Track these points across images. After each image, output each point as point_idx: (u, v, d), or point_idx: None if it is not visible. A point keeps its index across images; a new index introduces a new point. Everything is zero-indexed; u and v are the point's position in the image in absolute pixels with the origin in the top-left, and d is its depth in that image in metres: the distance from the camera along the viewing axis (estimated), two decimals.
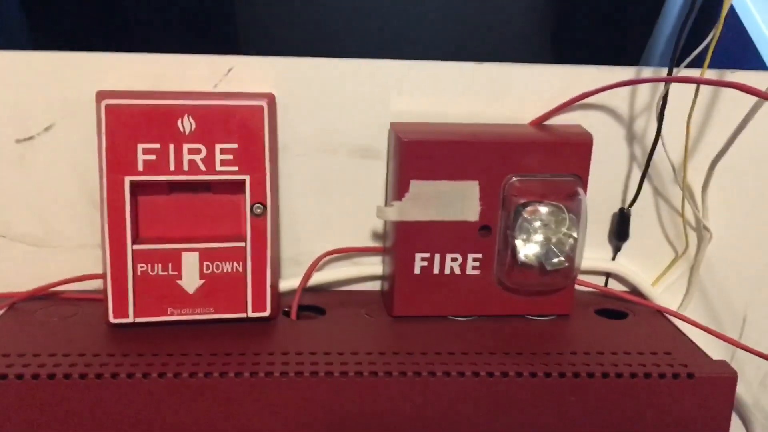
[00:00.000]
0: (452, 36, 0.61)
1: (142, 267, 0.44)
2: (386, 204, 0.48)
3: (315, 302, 0.50)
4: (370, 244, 0.52)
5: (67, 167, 0.48)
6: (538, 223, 0.47)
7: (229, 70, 0.47)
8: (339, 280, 0.52)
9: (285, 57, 0.48)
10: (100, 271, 0.50)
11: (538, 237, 0.47)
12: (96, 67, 0.46)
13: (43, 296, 0.49)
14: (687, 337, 0.48)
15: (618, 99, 0.50)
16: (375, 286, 0.54)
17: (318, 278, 0.51)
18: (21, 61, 0.46)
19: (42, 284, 0.50)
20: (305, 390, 0.41)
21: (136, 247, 0.44)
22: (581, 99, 0.48)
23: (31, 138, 0.47)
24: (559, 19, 0.64)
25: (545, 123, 0.49)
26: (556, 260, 0.47)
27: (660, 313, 0.51)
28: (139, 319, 0.44)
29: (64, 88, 0.46)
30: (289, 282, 0.50)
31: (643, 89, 0.50)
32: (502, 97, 0.49)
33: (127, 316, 0.44)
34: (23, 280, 0.50)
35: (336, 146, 0.50)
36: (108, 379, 0.40)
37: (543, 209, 0.46)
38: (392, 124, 0.48)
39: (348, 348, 0.44)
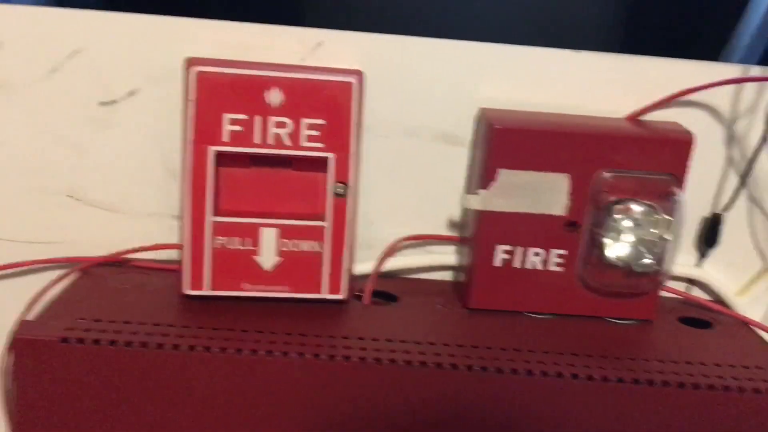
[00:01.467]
0: (530, 19, 0.59)
1: (220, 240, 0.43)
2: (468, 192, 0.47)
3: (386, 288, 0.49)
4: (445, 232, 0.51)
5: (146, 134, 0.47)
6: (628, 223, 0.44)
7: (318, 44, 0.46)
8: (411, 267, 0.51)
9: (374, 33, 0.46)
10: (170, 240, 0.50)
11: (628, 237, 0.45)
12: (183, 32, 0.45)
13: (115, 263, 0.49)
14: None
15: (720, 97, 0.47)
16: (445, 276, 0.52)
17: (391, 264, 0.50)
18: (109, 22, 0.45)
19: (111, 250, 0.49)
20: (381, 377, 0.40)
21: (215, 219, 0.43)
22: (683, 95, 0.45)
23: (114, 102, 0.47)
24: (635, 8, 0.61)
25: (641, 118, 0.47)
26: (645, 262, 0.45)
27: (746, 324, 0.49)
28: (214, 293, 0.44)
29: (150, 53, 0.46)
30: (361, 266, 0.49)
31: (749, 89, 0.47)
32: (597, 89, 0.47)
33: (202, 289, 0.44)
34: (93, 245, 0.50)
35: (419, 129, 0.48)
36: (185, 351, 0.39)
37: (636, 208, 0.44)
38: (482, 110, 0.46)
39: (423, 337, 0.43)
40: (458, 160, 0.49)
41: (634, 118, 0.47)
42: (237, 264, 0.43)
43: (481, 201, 0.45)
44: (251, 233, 0.43)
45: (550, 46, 0.47)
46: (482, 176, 0.45)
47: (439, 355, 0.41)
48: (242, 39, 0.46)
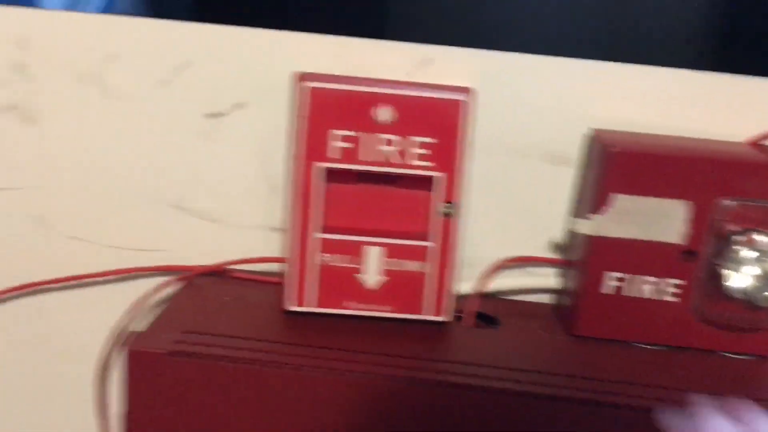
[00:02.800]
0: (636, 37, 0.57)
1: (325, 257, 0.43)
2: (577, 215, 0.45)
3: (486, 309, 0.48)
4: (546, 254, 0.49)
5: (250, 147, 0.48)
6: (752, 254, 0.42)
7: (427, 60, 0.45)
8: (512, 289, 0.49)
9: (484, 50, 0.45)
10: (268, 252, 0.50)
11: (751, 269, 0.42)
12: (291, 46, 0.45)
13: (216, 273, 0.49)
14: None
15: None
16: (542, 298, 0.51)
17: (492, 285, 0.49)
18: (219, 35, 0.45)
19: (211, 259, 0.50)
20: (487, 403, 0.39)
21: (322, 236, 0.42)
22: None
23: (220, 114, 0.47)
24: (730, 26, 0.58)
25: (765, 143, 0.44)
26: None
27: None
28: (316, 310, 0.43)
29: (258, 66, 0.46)
30: (461, 285, 0.48)
31: None
32: (715, 111, 0.45)
33: (304, 305, 0.43)
34: (194, 255, 0.50)
35: (526, 149, 0.47)
36: (291, 370, 0.39)
37: (760, 239, 0.42)
38: (594, 131, 0.44)
39: (530, 365, 0.41)
40: (565, 181, 0.47)
41: (756, 142, 0.44)
42: (341, 281, 0.43)
43: (593, 226, 0.43)
44: (356, 251, 0.43)
45: (655, 64, 0.45)
46: (595, 200, 0.43)
47: (550, 386, 0.39)
48: (349, 54, 0.45)
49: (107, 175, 0.48)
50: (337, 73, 0.45)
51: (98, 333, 0.51)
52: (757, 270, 0.42)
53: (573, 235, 0.45)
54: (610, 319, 0.45)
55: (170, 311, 0.44)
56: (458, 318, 0.46)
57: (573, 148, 0.46)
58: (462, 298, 0.47)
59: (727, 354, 0.45)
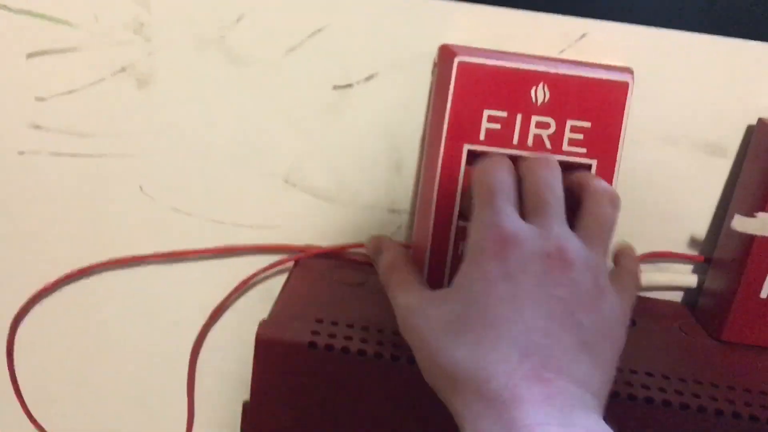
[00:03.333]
0: None
1: (461, 247, 0.39)
2: (737, 212, 0.41)
3: None
4: (684, 250, 0.46)
5: (377, 122, 0.44)
6: None
7: (582, 36, 0.41)
8: (647, 285, 0.46)
9: (643, 26, 0.41)
10: (384, 233, 0.47)
11: None
12: (433, 15, 0.41)
13: (331, 255, 0.46)
14: None
15: None
16: (672, 297, 0.47)
17: None
18: (358, 1, 0.42)
19: (322, 240, 0.47)
20: (629, 415, 0.36)
21: (462, 222, 0.39)
22: None
23: (349, 86, 0.43)
24: None
25: None
26: None
27: None
28: None
29: (396, 35, 0.42)
30: None
31: None
32: None
33: None
34: (303, 233, 0.47)
35: (678, 137, 0.43)
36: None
37: None
38: (762, 121, 0.40)
39: (672, 371, 0.38)
40: (717, 174, 0.44)
41: None
42: None
43: (758, 225, 0.39)
44: None
45: None
46: (762, 197, 0.39)
47: (699, 397, 0.37)
48: (498, 25, 0.41)
49: (218, 145, 0.45)
50: (483, 46, 0.41)
51: (201, 310, 0.49)
52: None
53: (729, 233, 0.42)
54: (763, 325, 0.41)
55: (290, 296, 0.41)
56: None
57: (733, 139, 0.42)
58: None
59: None
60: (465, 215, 0.38)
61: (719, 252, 0.44)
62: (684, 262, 0.46)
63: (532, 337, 0.28)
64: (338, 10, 0.42)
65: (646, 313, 0.45)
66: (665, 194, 0.44)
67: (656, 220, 0.45)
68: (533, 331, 0.29)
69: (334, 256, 0.46)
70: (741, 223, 0.40)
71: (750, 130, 0.42)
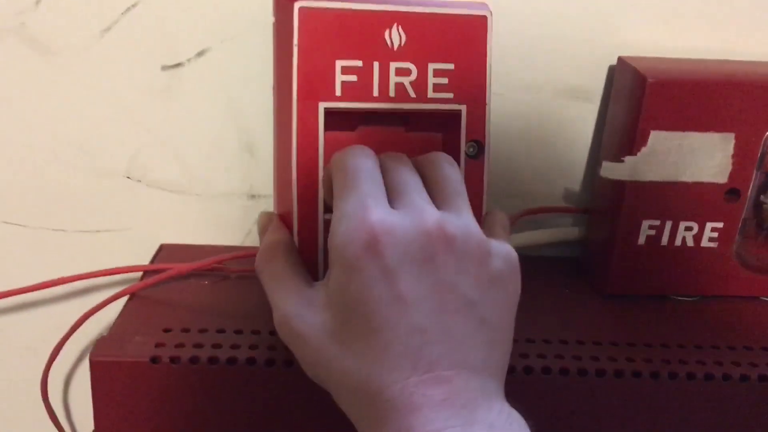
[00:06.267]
0: None
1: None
2: (607, 159, 0.39)
3: None
4: (564, 203, 0.44)
5: (219, 101, 0.40)
6: None
7: None
8: (528, 245, 0.44)
9: None
10: (244, 223, 0.43)
11: None
12: None
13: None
14: None
15: None
16: (557, 252, 0.46)
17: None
18: None
19: (180, 236, 0.43)
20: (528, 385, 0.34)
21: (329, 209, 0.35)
22: None
23: (179, 65, 0.39)
24: None
25: None
26: None
27: None
28: None
29: (222, 2, 0.38)
30: None
31: None
32: (758, 29, 0.40)
33: None
34: (157, 231, 0.43)
35: (541, 84, 0.41)
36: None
37: None
38: (625, 60, 0.38)
39: (564, 335, 0.36)
40: (585, 120, 0.41)
41: None
42: None
43: (627, 170, 0.37)
44: None
45: None
46: (628, 140, 0.37)
47: (598, 360, 0.35)
48: None
49: (39, 147, 0.40)
50: None
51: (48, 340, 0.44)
52: None
53: (601, 181, 0.40)
54: (645, 273, 0.40)
55: (137, 308, 0.37)
56: None
57: (596, 81, 0.40)
58: None
59: (766, 299, 0.41)
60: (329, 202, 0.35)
61: (595, 202, 0.42)
62: (563, 216, 0.44)
63: (423, 336, 0.26)
64: None
65: (533, 273, 0.43)
66: (536, 146, 0.42)
67: (529, 173, 0.43)
68: (423, 330, 0.26)
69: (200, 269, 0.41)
70: (609, 170, 0.38)
71: (612, 71, 0.40)
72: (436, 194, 0.30)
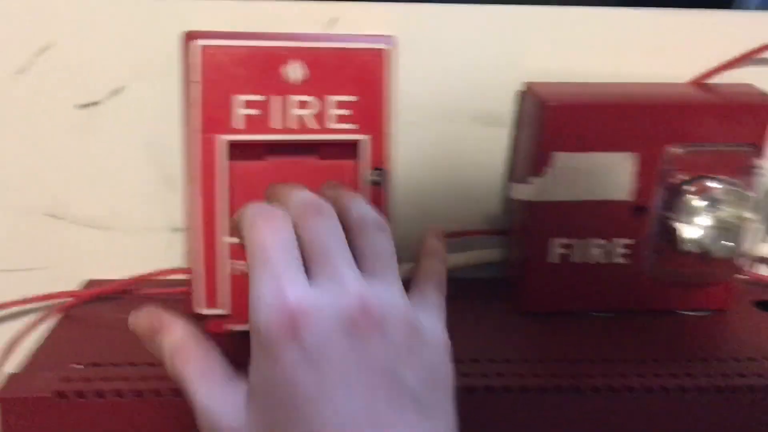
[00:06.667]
0: None
1: (238, 265, 0.36)
2: (515, 180, 0.40)
3: None
4: (484, 225, 0.45)
5: (137, 137, 0.40)
6: (703, 203, 0.39)
7: (332, 20, 0.39)
8: (455, 267, 0.45)
9: (397, 2, 0.40)
10: (170, 258, 0.43)
11: (704, 219, 0.39)
12: (171, 13, 0.38)
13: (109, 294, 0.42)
14: None
15: None
16: (482, 273, 0.46)
17: None
18: (82, 8, 0.38)
19: (102, 272, 0.43)
20: None
21: (233, 240, 0.36)
22: (757, 53, 0.39)
23: (95, 103, 0.40)
24: None
25: (708, 82, 0.41)
26: (725, 246, 0.39)
27: None
28: (236, 327, 0.37)
29: (135, 41, 0.39)
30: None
31: None
32: (657, 51, 0.41)
33: (212, 328, 0.37)
34: (81, 268, 0.43)
35: (454, 112, 0.42)
36: None
37: (712, 185, 0.39)
38: (529, 85, 0.40)
39: (481, 353, 0.37)
40: (498, 144, 0.43)
41: (700, 82, 0.41)
42: None
43: (533, 190, 0.39)
44: None
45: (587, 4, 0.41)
46: (534, 162, 0.38)
47: (503, 376, 0.35)
48: (243, 19, 0.39)
49: None
50: None
51: None
52: (709, 219, 0.39)
53: (513, 203, 0.41)
54: (560, 290, 0.41)
55: (52, 342, 0.37)
56: None
57: (506, 106, 0.42)
58: None
59: (682, 312, 0.42)
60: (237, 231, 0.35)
61: (510, 223, 0.43)
62: (489, 238, 0.45)
63: (354, 424, 0.24)
64: (62, 23, 0.38)
65: (453, 296, 0.43)
66: (453, 172, 0.43)
67: (451, 198, 0.44)
68: (354, 419, 0.24)
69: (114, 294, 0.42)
70: (518, 191, 0.39)
71: (519, 96, 0.41)
72: (362, 262, 0.28)
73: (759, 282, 0.45)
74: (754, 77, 0.41)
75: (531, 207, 0.39)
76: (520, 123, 0.41)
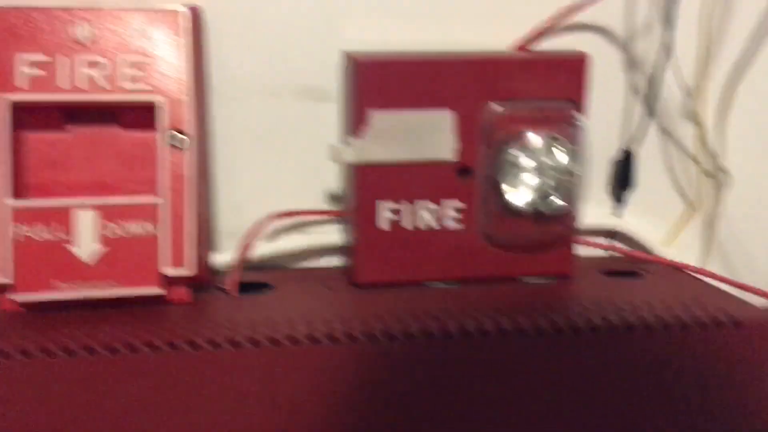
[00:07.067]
0: None
1: (21, 229, 0.33)
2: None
3: (262, 279, 0.40)
4: (327, 207, 0.43)
5: None
6: (529, 161, 0.38)
7: None
8: (291, 253, 0.42)
9: None
10: None
11: (530, 177, 0.38)
12: None
13: None
14: (720, 288, 0.39)
15: (612, 17, 0.42)
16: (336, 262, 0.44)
17: (264, 250, 0.41)
18: None
19: None
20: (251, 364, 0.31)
21: (13, 202, 0.33)
22: (567, 16, 0.40)
23: None
24: None
25: (530, 47, 0.41)
26: (554, 202, 0.38)
27: (679, 270, 0.43)
28: (20, 297, 0.34)
29: None
30: (227, 256, 0.40)
31: (642, 3, 0.42)
32: (480, 22, 0.41)
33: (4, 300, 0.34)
34: None
35: (278, 88, 0.41)
36: None
37: (534, 140, 0.38)
38: (348, 53, 0.39)
39: (303, 319, 0.34)
40: (329, 120, 0.41)
41: (522, 47, 0.41)
42: (46, 258, 0.34)
43: (354, 152, 0.37)
44: (63, 218, 0.34)
45: None
46: (353, 123, 0.37)
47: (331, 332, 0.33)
48: None
49: None
50: None
51: None
52: (535, 177, 0.38)
53: (345, 173, 0.40)
54: (394, 260, 0.39)
55: None
56: (221, 291, 0.39)
57: (331, 81, 0.41)
58: (225, 273, 0.40)
59: (525, 279, 0.40)
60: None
61: (346, 197, 0.41)
62: (328, 221, 0.43)
63: None
64: None
65: (295, 279, 0.41)
66: (288, 151, 0.42)
67: (289, 177, 0.42)
68: None
69: None
70: (338, 154, 0.38)
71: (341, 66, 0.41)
72: None
73: (609, 254, 0.44)
74: (575, 46, 0.41)
75: (355, 171, 0.38)
76: (343, 92, 0.40)
